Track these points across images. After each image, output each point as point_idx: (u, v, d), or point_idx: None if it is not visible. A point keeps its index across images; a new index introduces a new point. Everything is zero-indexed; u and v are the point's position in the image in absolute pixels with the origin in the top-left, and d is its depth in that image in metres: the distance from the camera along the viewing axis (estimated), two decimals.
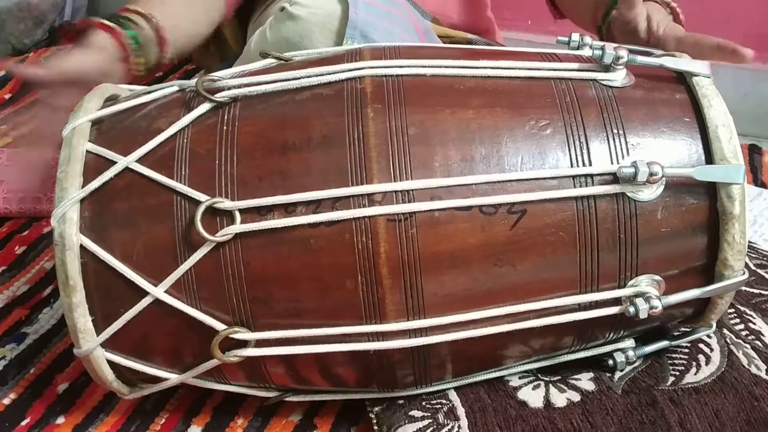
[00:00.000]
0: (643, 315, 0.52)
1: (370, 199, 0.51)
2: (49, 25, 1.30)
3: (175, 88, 0.58)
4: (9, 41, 1.23)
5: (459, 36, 0.85)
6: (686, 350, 0.63)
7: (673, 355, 0.63)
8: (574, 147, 0.52)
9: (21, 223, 0.87)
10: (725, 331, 0.65)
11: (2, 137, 1.01)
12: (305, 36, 0.70)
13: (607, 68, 0.55)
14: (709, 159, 0.53)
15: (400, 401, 0.60)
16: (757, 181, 0.95)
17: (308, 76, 0.54)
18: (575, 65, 0.56)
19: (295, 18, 0.70)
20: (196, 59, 1.03)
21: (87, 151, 0.55)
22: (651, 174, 0.50)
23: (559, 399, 0.59)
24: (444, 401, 0.59)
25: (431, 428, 0.57)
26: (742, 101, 0.65)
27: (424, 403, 0.59)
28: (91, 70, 0.68)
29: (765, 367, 0.61)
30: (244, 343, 0.53)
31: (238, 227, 0.51)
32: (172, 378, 0.57)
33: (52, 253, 0.82)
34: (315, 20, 0.70)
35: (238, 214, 0.51)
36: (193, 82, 0.57)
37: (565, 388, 0.60)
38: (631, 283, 0.53)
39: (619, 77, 0.55)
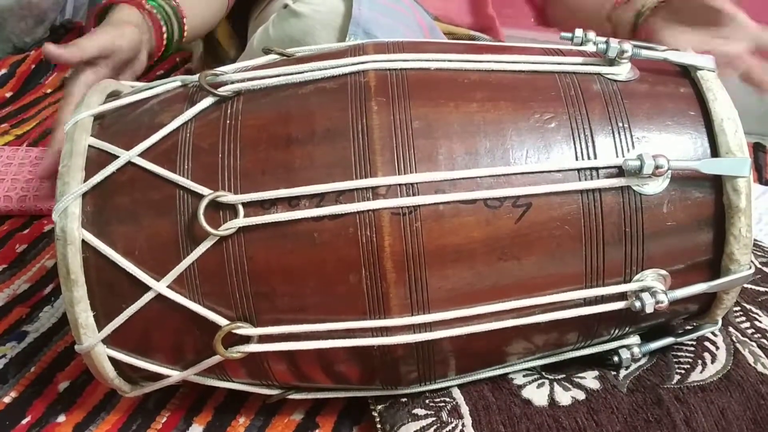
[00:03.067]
0: (649, 309, 0.52)
1: (375, 192, 0.50)
2: (51, 24, 1.30)
3: (178, 83, 0.58)
4: (10, 40, 1.23)
5: (462, 33, 0.85)
6: (692, 348, 0.63)
7: (679, 354, 0.62)
8: (579, 140, 0.52)
9: (22, 222, 0.87)
10: (731, 329, 0.65)
11: (3, 135, 1.01)
12: (308, 33, 0.70)
13: (611, 62, 0.55)
14: (715, 152, 0.52)
15: (404, 399, 0.59)
16: (762, 180, 0.95)
17: (312, 70, 0.54)
18: (579, 59, 0.55)
19: (298, 15, 0.70)
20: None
21: (89, 146, 0.54)
22: (657, 167, 0.50)
23: (564, 397, 0.58)
24: (448, 399, 0.59)
25: (435, 426, 0.57)
26: (746, 99, 0.65)
27: (427, 401, 0.59)
28: (124, 43, 0.68)
29: None
30: (246, 339, 0.53)
31: (241, 221, 0.51)
32: (174, 375, 0.56)
33: (53, 251, 0.82)
34: (318, 17, 0.70)
35: (241, 208, 0.51)
36: (195, 77, 0.57)
37: (570, 386, 0.60)
38: (636, 277, 0.53)
39: (623, 71, 0.55)
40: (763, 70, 0.68)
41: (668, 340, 0.62)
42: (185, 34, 0.77)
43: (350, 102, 0.52)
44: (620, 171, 0.51)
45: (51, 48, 0.65)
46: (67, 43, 0.67)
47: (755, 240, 0.78)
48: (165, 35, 0.74)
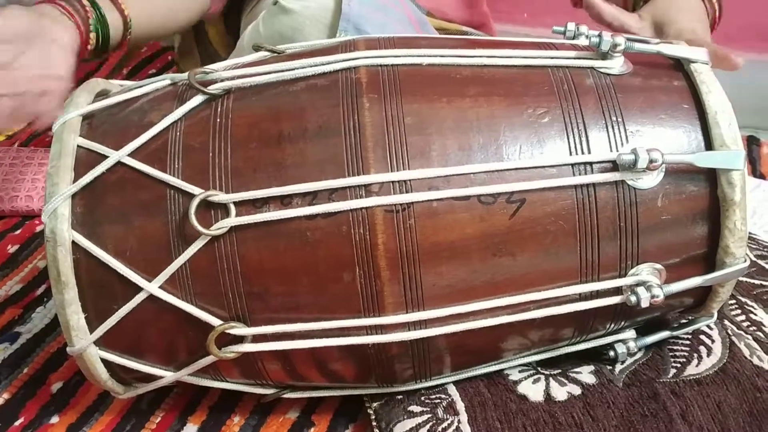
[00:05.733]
0: (644, 304, 0.52)
1: (367, 189, 0.50)
2: None
3: (167, 82, 0.58)
4: None
5: (454, 28, 0.85)
6: (687, 342, 0.63)
7: (675, 347, 0.62)
8: (573, 135, 0.52)
9: (14, 222, 0.87)
10: (726, 322, 0.64)
11: None
12: (298, 29, 0.69)
13: (604, 56, 0.55)
14: (709, 145, 0.52)
15: (399, 396, 0.59)
16: (756, 173, 0.95)
17: (302, 67, 0.54)
18: (572, 53, 0.55)
19: (288, 11, 0.70)
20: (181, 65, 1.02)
21: (78, 146, 0.54)
22: (651, 161, 0.50)
23: (560, 392, 0.58)
24: (443, 396, 0.59)
25: (430, 423, 0.56)
26: (740, 92, 0.65)
27: (423, 398, 0.59)
28: (22, 24, 0.65)
29: (767, 358, 0.61)
30: (240, 339, 0.53)
31: (233, 220, 0.50)
32: (167, 376, 0.56)
33: (45, 251, 0.81)
34: (308, 13, 0.69)
35: (232, 207, 0.51)
36: (185, 75, 0.56)
37: (566, 381, 0.59)
38: (632, 272, 0.53)
39: (616, 65, 0.54)
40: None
41: (664, 334, 0.62)
42: (130, 30, 0.75)
43: (342, 98, 0.52)
44: (614, 165, 0.51)
45: None
46: None
47: (750, 233, 0.77)
48: (91, 36, 0.71)
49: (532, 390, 0.59)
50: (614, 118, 0.52)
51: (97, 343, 0.54)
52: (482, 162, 0.51)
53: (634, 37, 0.56)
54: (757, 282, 0.70)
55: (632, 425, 0.55)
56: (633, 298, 0.52)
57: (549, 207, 0.51)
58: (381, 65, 0.53)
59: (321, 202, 0.50)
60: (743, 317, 0.66)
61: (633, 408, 0.57)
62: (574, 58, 0.55)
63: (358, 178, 0.50)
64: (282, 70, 0.54)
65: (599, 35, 0.54)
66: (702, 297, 0.57)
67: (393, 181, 0.50)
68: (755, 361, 0.60)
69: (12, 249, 0.83)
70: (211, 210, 0.51)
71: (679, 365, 0.60)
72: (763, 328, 0.64)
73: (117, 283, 0.52)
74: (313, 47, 0.59)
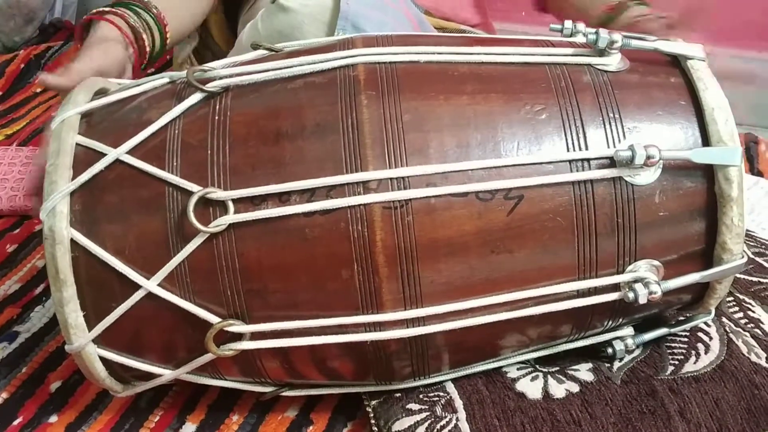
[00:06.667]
0: (642, 300, 0.52)
1: (365, 186, 0.50)
2: (40, 23, 1.30)
3: (166, 80, 0.58)
4: None
5: (453, 27, 0.85)
6: (685, 339, 0.63)
7: (672, 345, 0.62)
8: (570, 131, 0.52)
9: (12, 221, 0.87)
10: (724, 319, 0.65)
11: None
12: (297, 28, 0.70)
13: (601, 53, 0.55)
14: (706, 142, 0.52)
15: (398, 394, 0.59)
16: (753, 170, 0.95)
17: (301, 65, 0.54)
18: (570, 50, 0.55)
19: (286, 10, 0.70)
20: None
21: (76, 144, 0.54)
22: (648, 157, 0.50)
23: (558, 390, 0.58)
24: (442, 394, 0.59)
25: (429, 421, 0.56)
26: (737, 89, 0.65)
27: (421, 396, 0.59)
28: (109, 61, 0.68)
29: (765, 355, 0.61)
30: (239, 336, 0.53)
31: (232, 217, 0.51)
32: (166, 374, 0.56)
33: (44, 251, 0.81)
34: (306, 12, 0.70)
35: (231, 204, 0.51)
36: (183, 73, 0.56)
37: (564, 378, 0.59)
38: (629, 268, 0.53)
39: (613, 62, 0.55)
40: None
41: (662, 331, 0.62)
42: (167, 41, 0.77)
43: (340, 96, 0.52)
44: (612, 162, 0.51)
45: (48, 79, 0.65)
46: (59, 69, 0.67)
47: (747, 230, 0.78)
48: (148, 48, 0.74)
49: (531, 387, 0.59)
50: (611, 115, 0.53)
51: (96, 341, 0.54)
52: (480, 159, 0.51)
53: (632, 34, 0.56)
54: (754, 279, 0.70)
55: (630, 422, 0.55)
56: (631, 295, 0.52)
57: (547, 203, 0.51)
58: (379, 63, 0.53)
59: (319, 199, 0.50)
60: (741, 314, 0.66)
61: (631, 405, 0.57)
62: (572, 55, 0.55)
63: (356, 175, 0.50)
64: (280, 68, 0.54)
65: (596, 32, 0.54)
66: (700, 294, 0.57)
67: (391, 178, 0.50)
68: (753, 358, 0.60)
69: (11, 248, 0.83)
70: (209, 207, 0.51)
71: (677, 362, 0.61)
72: (761, 325, 0.64)
73: (116, 281, 0.52)
74: (312, 45, 0.59)
